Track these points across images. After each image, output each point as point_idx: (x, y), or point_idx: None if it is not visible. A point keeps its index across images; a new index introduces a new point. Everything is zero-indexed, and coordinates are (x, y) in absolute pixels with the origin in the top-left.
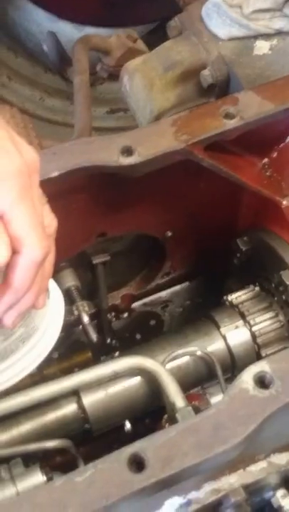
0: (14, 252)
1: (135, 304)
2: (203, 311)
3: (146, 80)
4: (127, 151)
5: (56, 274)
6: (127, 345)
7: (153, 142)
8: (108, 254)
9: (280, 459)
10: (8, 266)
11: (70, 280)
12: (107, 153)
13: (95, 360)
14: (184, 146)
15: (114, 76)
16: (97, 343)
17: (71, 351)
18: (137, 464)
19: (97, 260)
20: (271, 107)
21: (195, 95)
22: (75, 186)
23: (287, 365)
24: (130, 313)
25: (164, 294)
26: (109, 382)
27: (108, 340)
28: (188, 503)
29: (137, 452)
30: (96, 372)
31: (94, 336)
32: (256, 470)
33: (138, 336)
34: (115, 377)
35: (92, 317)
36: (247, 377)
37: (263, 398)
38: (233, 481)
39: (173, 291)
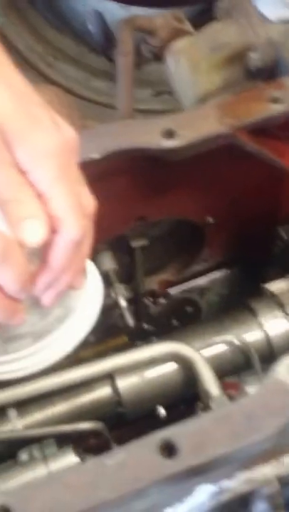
0: (53, 231)
1: (172, 290)
2: (241, 299)
3: (192, 61)
4: (169, 134)
5: (95, 257)
6: (163, 331)
7: (196, 125)
8: (146, 238)
9: None
10: (47, 245)
11: (109, 263)
12: (148, 135)
13: (130, 345)
14: (228, 130)
15: (159, 57)
16: (133, 327)
17: (107, 335)
18: (169, 449)
19: (135, 244)
20: None
21: (241, 79)
22: (115, 169)
23: None
24: (167, 299)
25: (201, 280)
26: (145, 367)
27: (144, 326)
28: (221, 491)
29: (169, 438)
30: (132, 357)
31: (130, 321)
32: None
33: (175, 322)
34: (151, 362)
35: (129, 301)
36: (282, 369)
37: None
38: (267, 471)
39: (211, 278)
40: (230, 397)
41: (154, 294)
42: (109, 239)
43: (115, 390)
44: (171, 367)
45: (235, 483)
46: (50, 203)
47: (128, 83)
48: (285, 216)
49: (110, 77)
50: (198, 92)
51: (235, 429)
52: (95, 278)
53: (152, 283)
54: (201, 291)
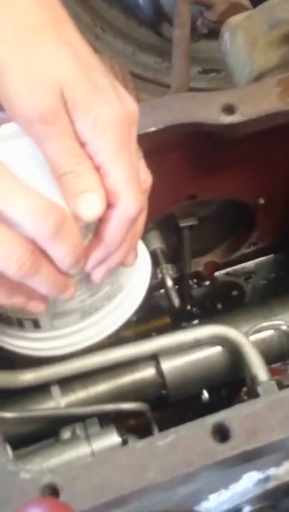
0: (109, 206)
1: (218, 273)
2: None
3: (249, 37)
4: (229, 109)
5: (143, 235)
6: (207, 314)
7: (256, 102)
8: (195, 218)
9: None
10: (102, 220)
11: (157, 242)
12: (207, 110)
13: (173, 326)
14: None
15: (213, 33)
16: (178, 308)
17: (150, 315)
18: (222, 433)
19: (184, 223)
20: None
21: None
22: (170, 143)
23: None
24: (212, 282)
25: (248, 264)
26: (189, 350)
27: (188, 307)
28: (267, 478)
29: (222, 421)
30: (177, 338)
31: (176, 301)
32: None
33: (219, 306)
34: (196, 345)
35: (174, 282)
36: None
37: None
38: None
39: (258, 262)
40: (279, 383)
41: (199, 276)
42: (158, 218)
43: (159, 371)
44: (217, 350)
45: (282, 472)
46: (109, 176)
47: (185, 56)
48: None
49: (158, 52)
50: (255, 69)
51: None
52: (145, 257)
53: (198, 264)
54: (248, 275)
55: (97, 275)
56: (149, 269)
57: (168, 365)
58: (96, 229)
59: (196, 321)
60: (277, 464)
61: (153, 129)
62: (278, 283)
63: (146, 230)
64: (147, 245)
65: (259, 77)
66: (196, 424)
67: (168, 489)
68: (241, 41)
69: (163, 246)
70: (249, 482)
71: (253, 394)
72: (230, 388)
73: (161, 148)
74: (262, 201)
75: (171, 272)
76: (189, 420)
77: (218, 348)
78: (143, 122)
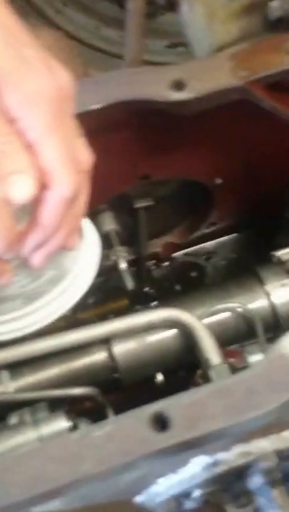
0: (44, 187)
1: (177, 254)
2: (248, 265)
3: (208, 9)
4: (178, 85)
5: (95, 217)
6: (166, 296)
7: (208, 77)
8: (151, 198)
9: None
10: (37, 202)
11: (110, 224)
12: (155, 86)
13: (131, 308)
14: (242, 83)
15: (172, 5)
16: (135, 291)
17: (108, 297)
18: (161, 422)
19: (139, 204)
20: None
21: (260, 29)
22: (117, 122)
23: None
24: (171, 263)
25: (208, 244)
26: (143, 333)
27: (146, 289)
28: (216, 463)
29: (162, 410)
30: (129, 322)
31: (130, 284)
32: None
33: (178, 287)
34: (149, 328)
35: (130, 264)
36: (288, 343)
37: None
38: (265, 445)
39: (218, 242)
40: (232, 367)
41: (157, 257)
42: (111, 198)
43: (111, 355)
44: (170, 333)
45: (231, 456)
46: (41, 154)
47: (138, 30)
48: None
49: (123, 25)
50: (214, 43)
51: (233, 403)
52: (93, 239)
53: (156, 246)
54: (208, 255)
55: (35, 260)
56: (98, 252)
57: (120, 348)
58: (32, 212)
59: (154, 303)
60: (226, 448)
61: (96, 106)
62: (239, 264)
63: (99, 211)
64: (100, 227)
65: (219, 51)
66: (135, 413)
67: (106, 479)
68: (200, 13)
69: (117, 227)
70: (197, 467)
71: (206, 378)
72: (189, 370)
73: (108, 126)
74: (219, 181)
75: (125, 254)
76: (146, 403)
77: (172, 331)
78: (86, 100)
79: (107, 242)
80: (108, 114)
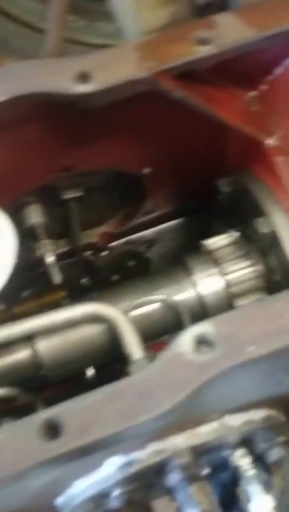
0: None
1: (117, 243)
2: (178, 255)
3: None
4: (83, 78)
5: (21, 210)
6: (103, 286)
7: (114, 68)
8: (82, 189)
9: (235, 420)
10: None
11: (36, 216)
12: (59, 78)
13: (70, 300)
14: (148, 74)
15: None
16: (73, 282)
17: (45, 290)
18: (52, 430)
19: (67, 196)
20: (252, 34)
21: (189, 14)
22: (25, 114)
23: (233, 327)
24: (110, 252)
25: (148, 232)
26: (68, 329)
27: (83, 280)
28: (130, 463)
29: (52, 418)
30: (50, 319)
31: (56, 278)
32: (206, 431)
33: (116, 277)
34: (72, 323)
35: (66, 255)
36: (186, 340)
37: (201, 363)
38: (179, 441)
39: (158, 230)
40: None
41: (94, 248)
42: (39, 191)
43: (35, 352)
44: (95, 328)
45: (145, 455)
46: None
47: (58, 19)
48: (232, 167)
49: (74, 9)
50: (143, 29)
51: (125, 407)
52: (6, 231)
53: (92, 236)
54: (149, 243)
55: None
56: (13, 247)
57: (44, 345)
58: None
59: (92, 294)
60: (141, 447)
61: (4, 97)
62: (181, 251)
63: (24, 204)
64: (25, 220)
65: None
66: (26, 422)
67: (7, 486)
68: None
69: (44, 220)
70: (112, 467)
71: (126, 375)
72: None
73: (16, 119)
74: (147, 170)
75: (52, 247)
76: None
77: (97, 326)
78: None
79: (32, 235)
80: (14, 107)
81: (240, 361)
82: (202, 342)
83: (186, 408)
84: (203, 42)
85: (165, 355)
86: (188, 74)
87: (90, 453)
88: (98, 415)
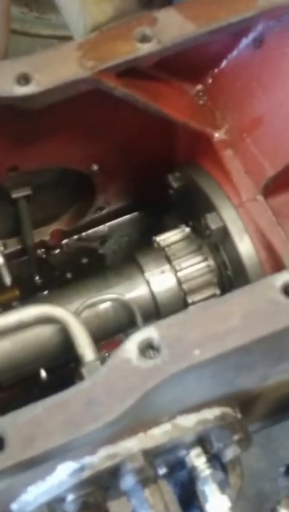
0: None
1: (70, 240)
2: (129, 253)
3: None
4: (24, 79)
5: None
6: (56, 284)
7: (54, 69)
8: (31, 187)
9: (187, 420)
10: None
11: None
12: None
13: (22, 299)
14: (90, 73)
15: None
16: (26, 280)
17: None
18: None
19: (16, 194)
20: (192, 29)
21: (135, 7)
22: None
23: (178, 331)
24: (62, 250)
25: (101, 228)
26: (17, 332)
27: (36, 279)
28: (82, 468)
29: None
30: (0, 322)
31: (7, 279)
32: (159, 433)
33: (69, 275)
34: (23, 326)
35: (18, 254)
36: (131, 346)
37: (146, 369)
38: (131, 445)
39: (111, 225)
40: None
41: (46, 246)
42: None
43: None
44: (46, 330)
45: (97, 460)
46: None
47: (3, 18)
48: (182, 161)
49: (24, 1)
50: (88, 24)
51: (71, 417)
52: None
53: (43, 234)
54: (103, 239)
55: None
56: None
57: None
58: None
59: (45, 292)
60: (92, 452)
61: None
62: (132, 245)
63: None
64: None
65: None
66: None
67: None
68: None
69: None
70: (64, 473)
71: (80, 377)
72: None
73: None
74: (95, 167)
75: (1, 248)
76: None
77: (48, 328)
78: None
79: None
80: None
81: (184, 366)
82: (147, 347)
83: (135, 414)
84: (144, 39)
85: (110, 363)
86: (131, 71)
87: (36, 464)
88: (43, 427)
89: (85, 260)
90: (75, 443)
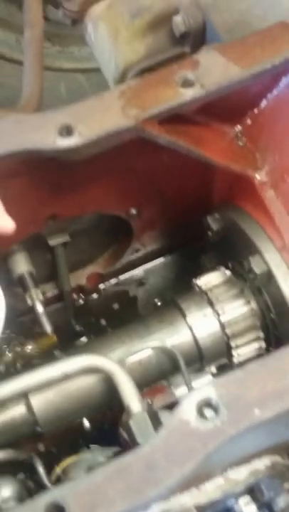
0: None
1: (106, 284)
2: (170, 296)
3: (111, 28)
4: (66, 131)
5: (8, 259)
6: (93, 331)
7: (97, 119)
8: (68, 233)
9: (239, 473)
10: None
11: (23, 265)
12: (42, 133)
13: (61, 345)
14: (133, 122)
15: (78, 23)
16: (64, 326)
17: (37, 334)
18: None
19: (54, 242)
20: (237, 72)
21: (167, 45)
22: (9, 171)
23: (236, 389)
24: (101, 295)
25: (137, 271)
26: (61, 383)
27: (73, 324)
28: None
29: (56, 500)
30: (44, 374)
31: (48, 328)
32: (211, 488)
33: (103, 322)
34: (67, 378)
35: (55, 299)
36: (189, 406)
37: (206, 432)
38: (185, 501)
39: (147, 268)
40: (150, 412)
41: (83, 290)
42: (20, 240)
43: (30, 409)
44: (90, 380)
45: None
46: None
47: (36, 60)
48: (220, 203)
49: (46, 36)
50: (120, 64)
51: (132, 483)
52: None
53: (80, 278)
54: (139, 281)
55: None
56: (1, 303)
57: (38, 401)
58: None
59: (83, 338)
60: (145, 507)
61: None
62: (168, 287)
63: (11, 253)
64: (14, 270)
65: (125, 72)
66: (29, 505)
67: None
68: (104, 33)
69: (31, 268)
70: None
71: (126, 426)
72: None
73: (1, 176)
74: (134, 211)
75: (40, 297)
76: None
77: (91, 378)
78: None
79: (22, 284)
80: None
81: (244, 427)
82: (205, 407)
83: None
84: (187, 84)
85: (169, 425)
86: (173, 116)
87: None
88: (104, 494)
89: (116, 306)
90: (136, 508)
